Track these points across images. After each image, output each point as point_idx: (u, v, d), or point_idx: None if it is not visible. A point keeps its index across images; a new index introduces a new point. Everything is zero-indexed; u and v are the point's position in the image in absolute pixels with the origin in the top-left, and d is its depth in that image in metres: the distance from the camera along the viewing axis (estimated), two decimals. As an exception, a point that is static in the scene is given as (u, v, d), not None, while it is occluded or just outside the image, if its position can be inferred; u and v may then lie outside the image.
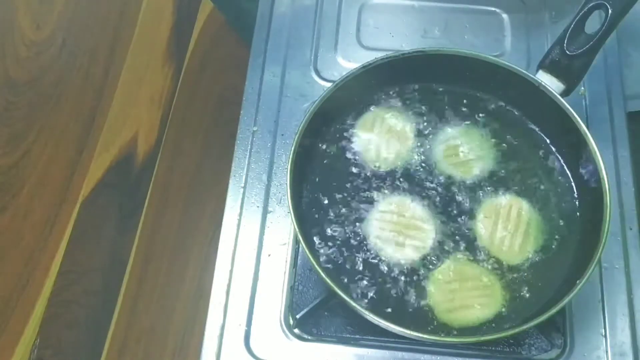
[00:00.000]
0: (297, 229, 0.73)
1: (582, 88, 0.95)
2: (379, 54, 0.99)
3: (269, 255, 0.85)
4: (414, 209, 0.80)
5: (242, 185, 0.89)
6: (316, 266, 0.71)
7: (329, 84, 0.96)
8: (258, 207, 0.88)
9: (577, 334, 0.79)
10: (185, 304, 1.66)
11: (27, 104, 1.94)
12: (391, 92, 0.89)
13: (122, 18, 2.08)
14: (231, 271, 0.84)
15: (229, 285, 0.83)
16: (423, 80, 0.88)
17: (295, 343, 0.79)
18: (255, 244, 0.85)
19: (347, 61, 0.99)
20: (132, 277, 1.69)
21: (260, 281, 0.83)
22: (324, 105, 0.81)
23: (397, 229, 0.79)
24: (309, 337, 0.80)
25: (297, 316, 0.80)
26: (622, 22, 0.76)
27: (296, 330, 0.80)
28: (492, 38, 1.00)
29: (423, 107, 0.88)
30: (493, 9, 1.03)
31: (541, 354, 0.77)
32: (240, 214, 0.87)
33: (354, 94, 0.85)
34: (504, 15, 1.02)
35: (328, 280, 0.70)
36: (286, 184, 0.75)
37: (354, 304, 0.69)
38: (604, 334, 0.79)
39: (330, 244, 0.78)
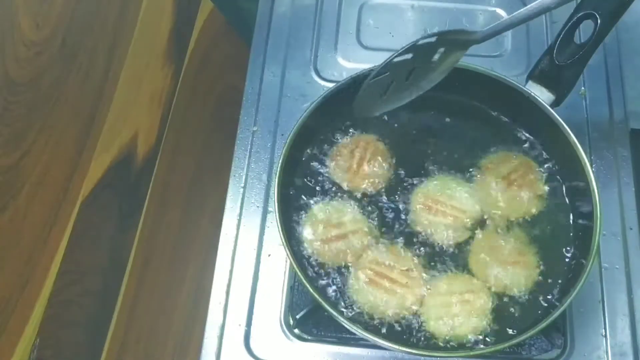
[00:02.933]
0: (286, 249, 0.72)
1: (583, 88, 0.95)
2: (379, 54, 0.99)
3: (269, 255, 0.85)
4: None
5: (242, 185, 0.89)
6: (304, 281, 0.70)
7: (329, 84, 0.96)
8: (258, 207, 0.88)
9: (578, 334, 0.79)
10: (185, 304, 1.67)
11: (27, 104, 1.94)
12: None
13: (122, 18, 2.08)
14: (231, 271, 0.84)
15: (229, 285, 0.83)
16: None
17: (295, 343, 0.79)
18: (255, 244, 0.85)
19: (347, 61, 0.99)
20: (132, 277, 1.70)
21: (260, 281, 0.83)
22: (312, 117, 0.79)
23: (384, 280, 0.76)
24: (309, 337, 0.80)
25: (297, 316, 0.80)
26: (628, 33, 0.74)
27: (296, 330, 0.80)
28: (492, 38, 1.00)
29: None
30: (493, 9, 1.03)
31: (541, 354, 0.77)
32: (240, 214, 0.87)
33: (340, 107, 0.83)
34: (504, 15, 1.02)
35: (313, 292, 0.69)
36: (274, 207, 0.74)
37: (341, 318, 0.68)
38: (604, 334, 0.79)
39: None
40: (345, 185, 0.81)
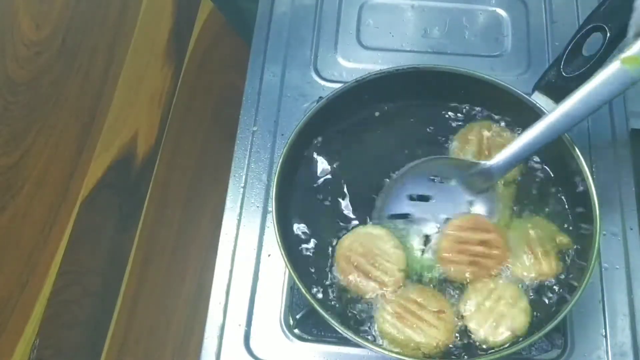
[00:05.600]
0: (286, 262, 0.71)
1: (583, 87, 0.95)
2: (379, 54, 1.00)
3: (269, 255, 0.85)
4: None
5: (242, 185, 0.89)
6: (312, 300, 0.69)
7: (329, 84, 0.96)
8: (258, 207, 0.88)
9: (578, 334, 0.79)
10: (185, 304, 1.67)
11: (27, 104, 1.94)
12: (385, 107, 0.86)
13: (122, 18, 2.08)
14: (231, 271, 0.84)
15: (229, 285, 0.83)
16: (415, 97, 0.85)
17: (296, 343, 0.79)
18: (255, 244, 0.85)
19: (347, 61, 0.99)
20: (132, 277, 1.70)
21: (260, 281, 0.83)
22: (317, 115, 0.79)
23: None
24: (309, 338, 0.80)
25: (297, 316, 0.80)
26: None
27: (296, 331, 0.80)
28: (492, 38, 1.00)
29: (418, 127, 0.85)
30: (493, 9, 1.03)
31: (541, 354, 0.77)
32: (240, 214, 0.87)
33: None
34: (504, 15, 1.02)
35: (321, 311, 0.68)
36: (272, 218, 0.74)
37: (346, 332, 0.67)
38: (604, 334, 0.79)
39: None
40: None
